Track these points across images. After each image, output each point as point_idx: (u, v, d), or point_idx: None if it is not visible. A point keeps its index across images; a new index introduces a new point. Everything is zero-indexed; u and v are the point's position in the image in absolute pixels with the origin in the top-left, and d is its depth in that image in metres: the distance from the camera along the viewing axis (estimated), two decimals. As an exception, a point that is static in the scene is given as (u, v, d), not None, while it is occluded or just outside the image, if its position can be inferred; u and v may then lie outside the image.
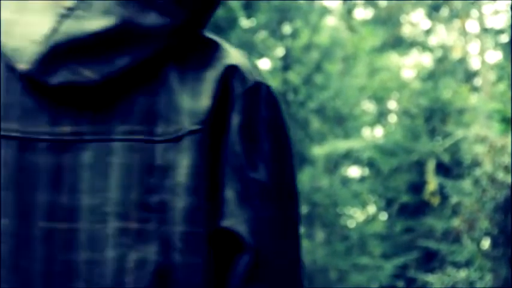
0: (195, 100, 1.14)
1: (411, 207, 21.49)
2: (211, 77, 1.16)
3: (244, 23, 22.16)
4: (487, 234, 12.23)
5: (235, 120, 1.14)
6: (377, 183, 22.96)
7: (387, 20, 27.81)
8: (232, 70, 1.17)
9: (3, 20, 1.16)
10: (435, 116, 21.66)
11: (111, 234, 1.11)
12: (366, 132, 26.99)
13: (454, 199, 13.60)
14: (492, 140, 12.55)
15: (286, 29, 24.00)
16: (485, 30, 22.55)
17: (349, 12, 28.42)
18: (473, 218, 12.33)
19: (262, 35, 23.33)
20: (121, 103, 1.15)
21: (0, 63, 1.17)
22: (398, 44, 27.81)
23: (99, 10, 1.13)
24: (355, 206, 23.54)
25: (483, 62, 23.14)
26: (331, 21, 27.06)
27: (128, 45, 1.13)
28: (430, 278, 14.11)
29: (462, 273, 12.80)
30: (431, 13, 24.86)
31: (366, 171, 24.59)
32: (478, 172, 12.40)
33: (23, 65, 1.13)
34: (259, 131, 1.15)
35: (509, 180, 11.86)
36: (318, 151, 22.36)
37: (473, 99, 23.67)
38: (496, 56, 26.00)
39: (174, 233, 1.11)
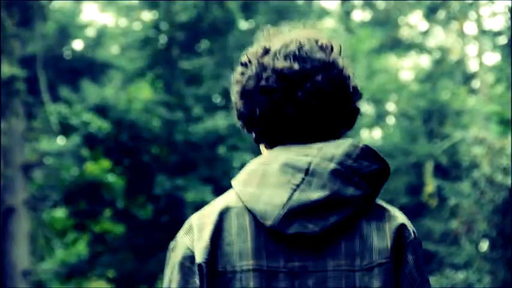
0: (380, 243, 1.76)
1: (409, 208, 21.49)
2: (389, 228, 1.79)
3: (243, 24, 22.16)
4: (485, 236, 12.23)
5: (410, 258, 1.78)
6: (375, 185, 22.95)
7: (385, 22, 27.81)
8: (403, 226, 1.80)
9: (251, 193, 1.76)
10: (433, 118, 21.67)
11: None
12: (364, 134, 26.99)
13: (452, 201, 13.59)
14: (490, 141, 12.54)
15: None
16: (483, 32, 22.55)
17: (347, 13, 28.42)
18: (472, 220, 12.33)
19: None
20: (331, 245, 1.75)
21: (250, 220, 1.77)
22: (396, 45, 27.81)
23: (317, 185, 1.74)
24: (353, 207, 23.54)
25: (481, 64, 23.15)
26: (329, 23, 27.05)
27: (336, 208, 1.74)
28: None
29: (460, 275, 12.79)
30: (429, 15, 24.86)
31: (364, 173, 24.59)
32: (476, 174, 12.40)
33: (269, 222, 1.73)
34: (421, 264, 1.80)
35: (508, 182, 11.85)
36: (316, 153, 22.35)
37: (471, 101, 23.68)
38: (494, 58, 26.03)
39: None
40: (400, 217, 1.81)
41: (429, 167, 21.29)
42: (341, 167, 1.76)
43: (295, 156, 1.77)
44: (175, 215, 20.22)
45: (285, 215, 1.72)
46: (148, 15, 21.54)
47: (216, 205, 1.84)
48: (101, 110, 19.45)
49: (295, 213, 1.72)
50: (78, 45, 21.65)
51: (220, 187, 20.05)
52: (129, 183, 19.86)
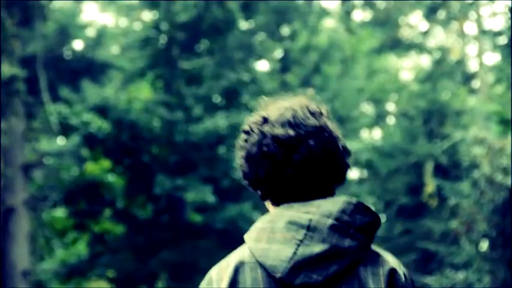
0: (375, 285, 2.02)
1: (410, 209, 21.49)
2: (382, 272, 2.05)
3: (243, 24, 22.15)
4: (485, 236, 12.23)
5: None
6: (375, 185, 22.96)
7: (385, 22, 27.81)
8: (394, 270, 2.06)
9: (261, 248, 2.02)
10: (433, 118, 21.66)
11: None
12: (365, 134, 26.99)
13: (452, 201, 13.59)
14: (490, 141, 12.54)
15: (285, 30, 23.99)
16: (483, 32, 22.55)
17: (347, 13, 28.42)
18: (472, 219, 12.33)
19: (260, 36, 23.32)
20: None
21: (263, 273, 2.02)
22: (397, 45, 27.81)
23: (317, 240, 2.00)
24: (353, 207, 23.48)
25: (481, 64, 23.14)
26: (329, 23, 27.05)
27: (335, 259, 1.99)
28: (429, 279, 14.12)
29: (460, 275, 12.80)
30: (429, 15, 24.86)
31: (365, 173, 24.60)
32: (476, 174, 12.40)
33: (278, 274, 1.99)
34: None
35: (508, 182, 11.85)
36: (316, 153, 22.29)
37: (472, 101, 23.67)
38: (494, 58, 26.01)
39: None
40: (391, 261, 2.08)
41: (429, 167, 21.28)
42: (338, 222, 2.02)
43: (297, 214, 2.04)
44: (175, 215, 20.22)
45: (291, 268, 1.99)
46: (148, 15, 21.54)
47: (232, 259, 2.08)
48: (101, 110, 19.45)
49: (300, 265, 1.99)
50: (78, 45, 21.66)
51: (220, 187, 20.05)
52: (129, 183, 19.85)
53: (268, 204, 2.16)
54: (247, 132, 2.15)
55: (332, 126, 2.14)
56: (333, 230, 2.01)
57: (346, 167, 2.15)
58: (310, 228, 2.02)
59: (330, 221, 2.02)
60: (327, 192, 2.11)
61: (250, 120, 2.16)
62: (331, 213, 2.03)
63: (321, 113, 2.15)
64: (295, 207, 2.06)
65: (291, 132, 2.08)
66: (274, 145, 2.07)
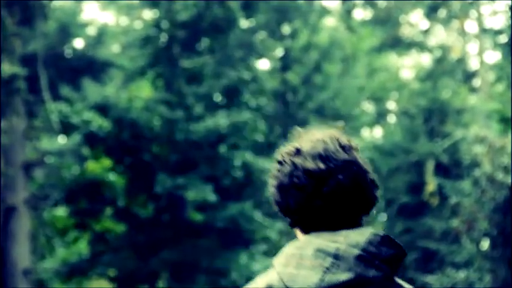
0: None
1: (410, 207, 21.49)
2: None
3: (244, 23, 22.15)
4: (486, 234, 12.23)
5: None
6: (376, 183, 22.93)
7: (386, 21, 27.81)
8: None
9: (289, 273, 2.10)
10: (434, 117, 21.66)
11: None
12: (365, 132, 26.99)
13: (453, 199, 13.60)
14: (491, 140, 12.55)
15: (286, 29, 23.99)
16: (484, 31, 22.54)
17: (348, 12, 28.42)
18: (473, 218, 12.33)
19: (261, 35, 23.32)
20: None
21: None
22: (397, 44, 27.81)
23: (344, 268, 2.08)
24: (354, 206, 23.49)
25: (482, 63, 23.14)
26: (330, 22, 27.05)
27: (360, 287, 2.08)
28: (430, 278, 14.12)
29: (461, 274, 12.80)
30: (429, 13, 24.85)
31: (365, 172, 24.59)
32: (477, 172, 12.40)
33: None
34: None
35: (508, 181, 11.86)
36: (317, 151, 22.29)
37: (472, 99, 23.68)
38: (494, 57, 26.01)
39: None
40: None
41: (430, 166, 21.29)
42: (364, 253, 2.11)
43: (325, 243, 2.14)
44: (176, 213, 20.23)
45: None
46: (149, 14, 21.55)
47: (261, 283, 2.18)
48: (102, 108, 19.46)
49: None
50: (79, 43, 21.66)
51: (221, 186, 20.05)
52: (130, 182, 19.86)
53: (297, 232, 2.25)
54: (280, 163, 2.24)
55: (362, 160, 2.24)
56: (359, 260, 2.10)
57: (374, 199, 2.26)
58: (337, 257, 2.11)
59: (356, 251, 2.11)
60: (355, 223, 2.22)
61: (283, 151, 2.26)
62: (358, 243, 2.13)
63: (351, 147, 2.24)
64: (323, 235, 2.16)
65: (321, 165, 2.18)
66: (305, 177, 2.17)
